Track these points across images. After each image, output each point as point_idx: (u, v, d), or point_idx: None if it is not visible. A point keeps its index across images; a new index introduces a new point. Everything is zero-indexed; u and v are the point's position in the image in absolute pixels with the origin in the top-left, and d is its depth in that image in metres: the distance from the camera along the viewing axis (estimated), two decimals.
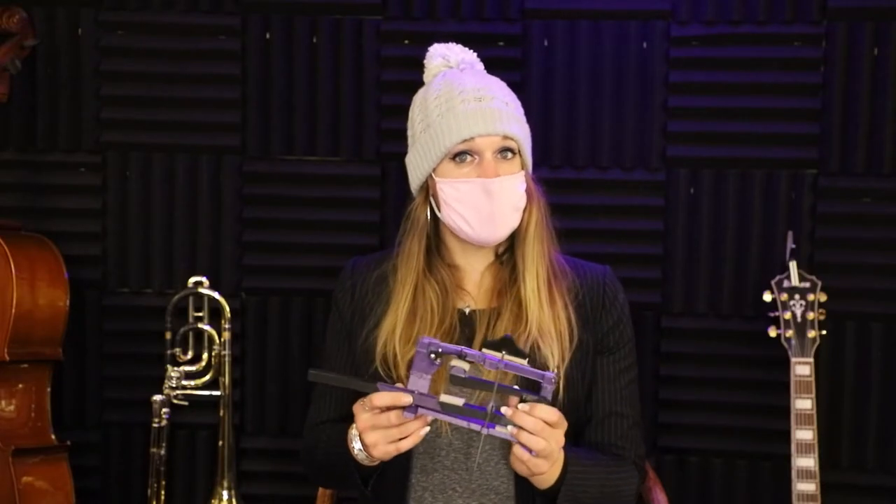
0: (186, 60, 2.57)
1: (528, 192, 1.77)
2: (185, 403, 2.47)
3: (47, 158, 2.61)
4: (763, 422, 2.48)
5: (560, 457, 1.64)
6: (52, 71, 2.58)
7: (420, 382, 1.55)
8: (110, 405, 2.62)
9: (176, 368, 2.46)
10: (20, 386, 2.44)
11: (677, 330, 2.51)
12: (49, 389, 2.47)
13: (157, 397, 2.45)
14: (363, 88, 2.54)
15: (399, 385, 1.60)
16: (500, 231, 1.75)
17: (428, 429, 1.59)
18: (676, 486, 2.50)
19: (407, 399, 1.55)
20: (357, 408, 1.62)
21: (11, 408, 2.43)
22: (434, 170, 1.75)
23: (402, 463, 1.73)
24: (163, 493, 2.47)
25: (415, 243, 1.80)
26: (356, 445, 1.64)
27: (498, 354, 1.53)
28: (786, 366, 2.29)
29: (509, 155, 1.74)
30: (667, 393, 2.52)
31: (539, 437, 1.54)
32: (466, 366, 1.55)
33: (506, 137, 1.72)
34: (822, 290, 2.31)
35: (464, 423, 1.56)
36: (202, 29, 2.57)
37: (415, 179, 1.80)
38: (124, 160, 2.60)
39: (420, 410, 1.56)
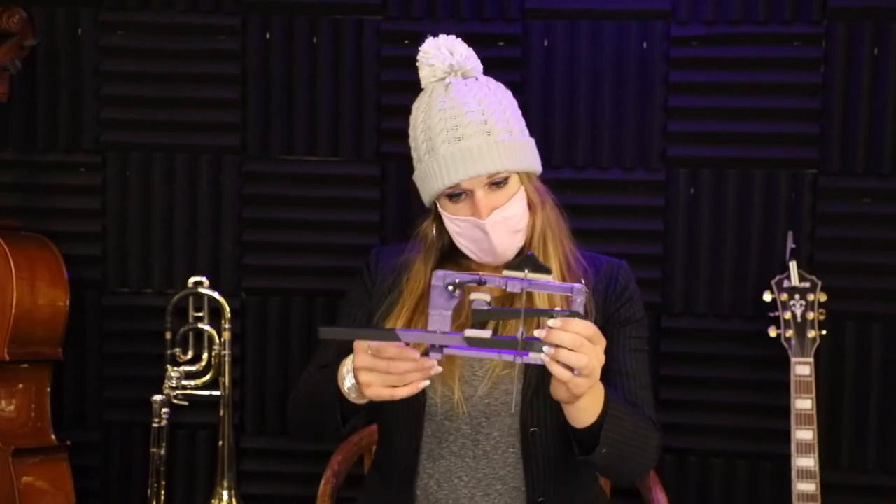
0: (186, 60, 2.57)
1: (530, 203, 1.76)
2: (185, 403, 2.47)
3: (47, 158, 2.61)
4: (763, 422, 2.48)
5: (600, 389, 1.58)
6: (52, 71, 2.58)
7: (441, 321, 1.45)
8: (110, 405, 2.62)
9: (176, 368, 2.46)
10: (20, 386, 2.44)
11: (677, 330, 2.51)
12: (49, 389, 2.47)
13: (157, 397, 2.45)
14: (363, 88, 2.54)
15: (419, 329, 1.50)
16: (503, 257, 1.74)
17: (428, 382, 1.51)
18: (676, 486, 2.50)
19: (414, 354, 1.47)
20: (358, 343, 1.54)
21: (11, 408, 2.43)
22: (437, 198, 1.76)
23: (410, 448, 1.74)
24: (163, 493, 2.47)
25: (420, 262, 1.81)
26: (348, 381, 1.59)
27: (520, 274, 1.43)
28: (786, 366, 2.29)
29: (502, 181, 1.72)
30: (667, 393, 2.52)
31: (578, 352, 1.44)
32: (487, 296, 1.45)
33: (491, 174, 1.70)
34: (822, 290, 2.32)
35: (495, 356, 1.44)
36: (202, 29, 2.57)
37: (423, 199, 1.80)
38: (124, 160, 2.60)
39: (446, 350, 1.45)
